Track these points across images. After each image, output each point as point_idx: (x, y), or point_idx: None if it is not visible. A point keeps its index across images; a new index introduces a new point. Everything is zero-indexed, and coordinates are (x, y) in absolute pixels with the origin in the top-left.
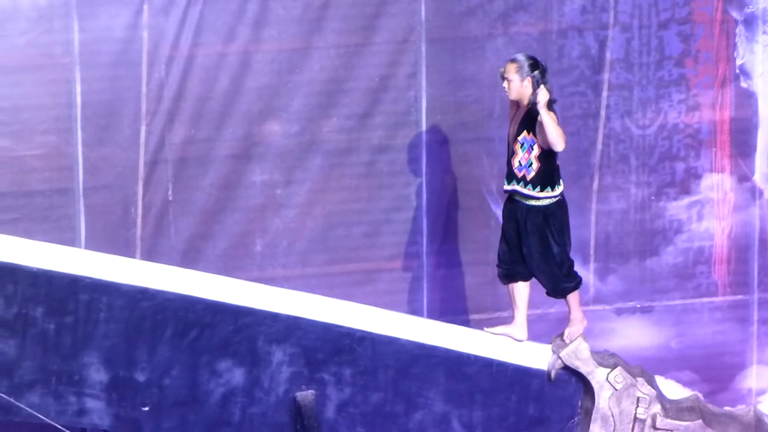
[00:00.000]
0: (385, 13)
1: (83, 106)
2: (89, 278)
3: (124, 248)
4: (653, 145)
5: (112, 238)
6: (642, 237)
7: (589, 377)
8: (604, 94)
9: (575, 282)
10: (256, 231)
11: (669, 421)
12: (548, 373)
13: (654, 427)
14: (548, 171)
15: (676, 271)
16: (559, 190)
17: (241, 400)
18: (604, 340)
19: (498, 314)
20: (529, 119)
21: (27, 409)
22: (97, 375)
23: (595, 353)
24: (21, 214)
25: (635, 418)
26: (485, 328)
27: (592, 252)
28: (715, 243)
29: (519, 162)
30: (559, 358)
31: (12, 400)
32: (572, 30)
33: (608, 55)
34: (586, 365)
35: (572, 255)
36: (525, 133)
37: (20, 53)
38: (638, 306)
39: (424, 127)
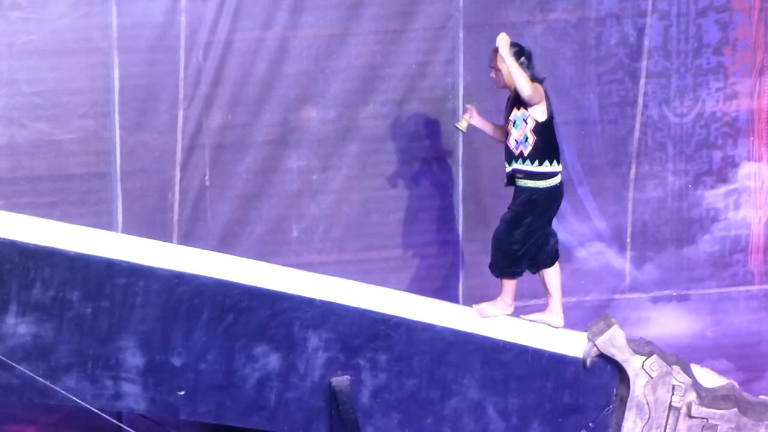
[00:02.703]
0: (423, 0)
1: (121, 91)
2: (126, 262)
3: (161, 233)
4: (691, 134)
5: (149, 223)
6: (679, 225)
7: (625, 365)
8: (642, 81)
9: (515, 271)
10: (293, 217)
11: (704, 409)
12: (584, 361)
13: (689, 415)
14: (545, 144)
15: (712, 260)
16: (557, 167)
17: (277, 385)
18: (639, 328)
19: (534, 301)
20: (518, 99)
21: (63, 392)
22: (133, 359)
23: (630, 341)
24: (58, 198)
25: (670, 406)
26: (522, 316)
27: (628, 240)
28: (751, 232)
29: (515, 140)
30: (595, 345)
31: (48, 383)
32: (610, 17)
33: (646, 42)
34: (621, 353)
35: (609, 243)
36: (515, 109)
37: (58, 37)
38: (674, 294)
39: (460, 114)
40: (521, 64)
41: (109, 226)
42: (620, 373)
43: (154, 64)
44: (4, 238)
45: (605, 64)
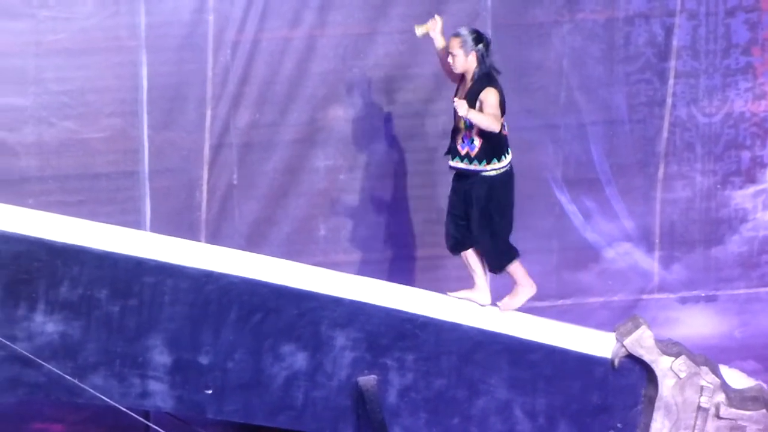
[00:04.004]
0: None
1: (149, 90)
2: (154, 261)
3: (189, 231)
4: (719, 134)
5: (176, 222)
6: (707, 226)
7: (653, 365)
8: (671, 81)
9: (512, 255)
10: (320, 216)
11: (733, 410)
12: (612, 361)
13: (717, 416)
14: (492, 144)
15: (740, 260)
16: (506, 161)
17: (304, 384)
18: (668, 329)
19: (562, 302)
20: (472, 96)
21: (91, 390)
22: (161, 357)
23: (659, 341)
24: (86, 196)
25: (699, 407)
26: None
27: (657, 240)
28: None
29: (462, 139)
30: (623, 346)
31: (76, 381)
32: (639, 17)
33: (675, 42)
34: (649, 353)
35: (637, 243)
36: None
37: (87, 36)
38: (702, 295)
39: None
40: (477, 52)
41: (137, 224)
42: (648, 373)
43: (182, 63)
44: (32, 237)
45: (633, 64)
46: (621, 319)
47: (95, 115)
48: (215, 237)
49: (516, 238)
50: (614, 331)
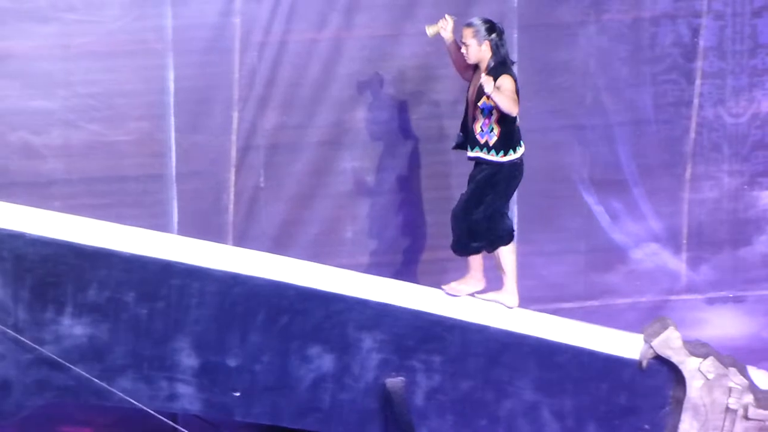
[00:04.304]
0: (477, 0)
1: (176, 92)
2: (181, 264)
3: (216, 234)
4: (746, 134)
5: (204, 224)
6: (734, 226)
7: (681, 367)
8: (697, 82)
9: (479, 247)
10: (347, 218)
11: (761, 411)
12: (640, 363)
13: (746, 417)
14: (509, 134)
15: None
16: (519, 152)
17: (331, 387)
18: (695, 330)
19: (590, 303)
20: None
21: (119, 393)
22: (189, 360)
23: (686, 343)
24: (113, 199)
25: (727, 409)
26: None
27: (684, 241)
28: None
29: (481, 128)
30: (651, 347)
31: (104, 384)
32: (665, 17)
33: (701, 43)
34: (677, 355)
35: (664, 244)
36: (485, 98)
37: (114, 39)
38: (730, 296)
39: None
40: (491, 41)
41: (164, 227)
42: (676, 374)
43: (208, 66)
44: (59, 240)
45: (660, 65)
46: (648, 320)
47: (122, 118)
48: (242, 239)
49: (544, 239)
50: (642, 333)
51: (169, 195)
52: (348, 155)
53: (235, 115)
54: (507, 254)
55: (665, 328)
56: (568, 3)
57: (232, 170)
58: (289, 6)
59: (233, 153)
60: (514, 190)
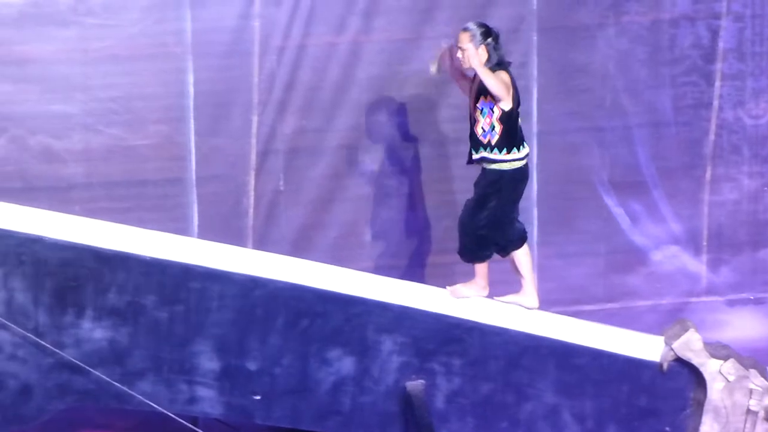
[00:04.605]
0: (495, 3)
1: (195, 96)
2: (201, 267)
3: (236, 237)
4: (766, 136)
5: (224, 228)
6: (755, 228)
7: (701, 369)
8: (717, 84)
9: (487, 253)
10: (366, 221)
11: None
12: (660, 365)
13: (767, 419)
14: (511, 132)
15: None
16: (524, 152)
17: (351, 390)
18: (716, 332)
19: (610, 305)
20: (484, 87)
21: (139, 397)
22: (209, 363)
23: (707, 344)
24: (133, 203)
25: (748, 411)
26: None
27: (704, 243)
28: None
29: (482, 128)
30: (671, 349)
31: (124, 388)
32: (684, 19)
33: (721, 44)
34: (698, 356)
35: (684, 246)
36: (482, 98)
37: (133, 43)
38: (751, 297)
39: (534, 117)
40: (487, 45)
41: (184, 231)
42: (697, 376)
43: (228, 70)
44: (79, 244)
45: (679, 66)
46: (669, 322)
47: (142, 122)
48: (262, 243)
49: (563, 242)
50: (662, 335)
51: (189, 198)
52: (367, 159)
53: (255, 118)
54: (522, 257)
55: (686, 330)
56: (587, 5)
57: (252, 174)
58: (309, 9)
59: (253, 156)
60: (521, 194)
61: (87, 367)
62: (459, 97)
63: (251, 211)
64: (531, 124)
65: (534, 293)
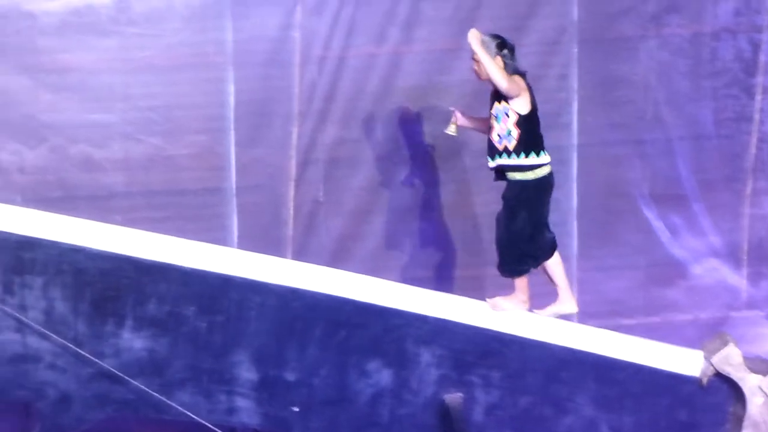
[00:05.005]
0: (536, 14)
1: (236, 106)
2: (240, 278)
3: (275, 248)
4: None
5: (263, 238)
6: None
7: (741, 383)
8: (758, 97)
9: (526, 267)
10: (405, 232)
11: None
12: (699, 379)
13: None
14: (530, 137)
15: None
16: (545, 158)
17: (390, 401)
18: (756, 346)
19: (650, 319)
20: (499, 92)
21: (178, 407)
22: (248, 374)
23: (747, 359)
24: (173, 212)
25: None
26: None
27: (744, 257)
28: None
29: (498, 134)
30: (711, 364)
31: (163, 398)
32: (726, 32)
33: (762, 58)
34: (737, 371)
35: (724, 259)
36: (496, 103)
37: (174, 52)
38: None
39: (575, 129)
40: (503, 56)
41: (223, 241)
42: (736, 391)
43: (268, 80)
44: (119, 254)
45: (720, 79)
46: (709, 336)
47: (182, 132)
48: (301, 253)
49: (604, 255)
50: (702, 349)
51: (229, 209)
52: (406, 170)
53: (295, 129)
54: (554, 266)
55: (725, 344)
56: (629, 17)
57: (292, 184)
58: (349, 20)
59: (292, 167)
60: (548, 204)
61: (126, 377)
62: None
63: (290, 221)
64: (571, 136)
65: (571, 299)
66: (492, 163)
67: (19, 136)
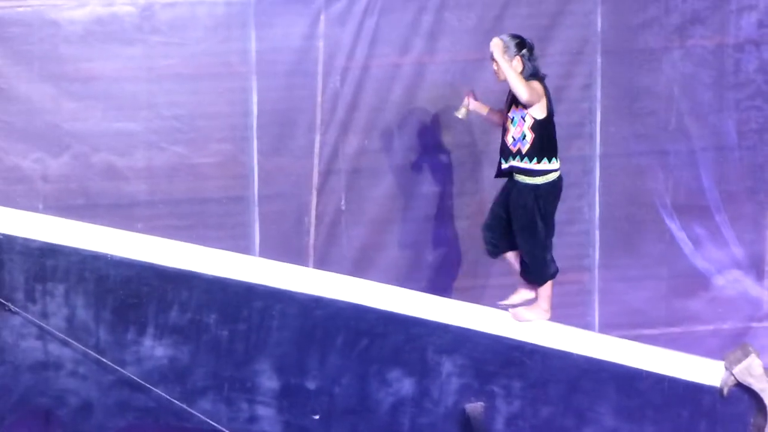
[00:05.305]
0: (560, 25)
1: (259, 115)
2: (263, 286)
3: (297, 256)
4: None
5: (285, 247)
6: None
7: (762, 394)
8: None
9: (554, 270)
10: (427, 241)
11: None
12: (721, 390)
13: None
14: (543, 142)
15: None
16: (556, 164)
17: (411, 410)
18: None
19: (671, 329)
20: (517, 99)
21: (199, 415)
22: (269, 382)
23: None
24: (196, 221)
25: None
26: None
27: (767, 268)
28: None
29: (512, 137)
30: (732, 374)
31: (185, 406)
32: (749, 44)
33: None
34: (758, 382)
35: (747, 271)
36: (514, 106)
37: (198, 61)
38: None
39: (598, 139)
40: (522, 56)
41: (246, 249)
42: (757, 402)
43: (292, 89)
44: (142, 261)
45: (744, 91)
46: (730, 347)
47: (206, 140)
48: (323, 262)
49: (626, 265)
50: (723, 360)
51: (251, 217)
52: (429, 179)
53: (318, 138)
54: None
55: (747, 355)
56: (652, 28)
57: (314, 193)
58: (373, 30)
59: (315, 176)
60: (556, 207)
61: (147, 385)
62: None
63: (312, 230)
64: (594, 146)
65: (548, 306)
66: (505, 165)
67: (43, 144)
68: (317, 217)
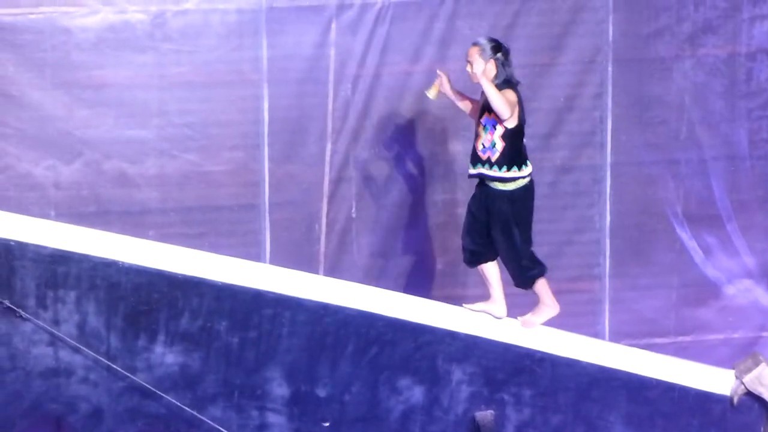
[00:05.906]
0: (572, 34)
1: (270, 123)
2: (273, 293)
3: (308, 264)
4: None
5: (296, 254)
6: None
7: None
8: None
9: (539, 269)
10: (437, 250)
11: None
12: (731, 399)
13: None
14: (513, 151)
15: None
16: (526, 171)
17: (421, 418)
18: None
19: (682, 338)
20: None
21: (209, 422)
22: (279, 389)
23: None
24: (207, 228)
25: None
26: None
27: None
28: None
29: (482, 144)
30: (742, 383)
31: (195, 413)
32: (761, 53)
33: None
34: None
35: (758, 280)
36: (486, 114)
37: (209, 69)
38: None
39: (609, 148)
40: (496, 60)
41: (257, 257)
42: (767, 411)
43: (303, 97)
44: (153, 269)
45: (755, 100)
46: (741, 356)
47: (217, 148)
48: (334, 270)
49: (636, 274)
50: (733, 369)
51: (262, 225)
52: (439, 187)
53: (329, 146)
54: (493, 267)
55: (757, 364)
56: (664, 38)
57: (325, 201)
58: (384, 39)
59: (326, 184)
60: (533, 206)
61: (158, 392)
62: (534, 126)
63: (323, 237)
64: (605, 154)
65: (503, 302)
66: (473, 170)
67: (55, 152)
68: (328, 224)
